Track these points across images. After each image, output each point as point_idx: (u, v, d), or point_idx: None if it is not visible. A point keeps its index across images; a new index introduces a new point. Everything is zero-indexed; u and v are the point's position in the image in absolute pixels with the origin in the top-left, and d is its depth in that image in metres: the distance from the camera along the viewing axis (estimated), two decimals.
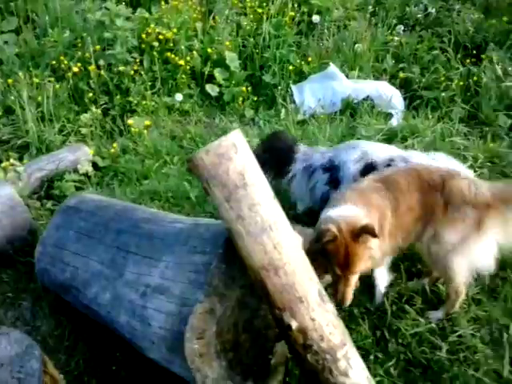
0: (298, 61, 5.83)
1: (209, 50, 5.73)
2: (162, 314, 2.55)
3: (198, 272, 2.46)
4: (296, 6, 6.42)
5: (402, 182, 2.92)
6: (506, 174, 4.34)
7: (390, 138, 4.64)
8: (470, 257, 2.97)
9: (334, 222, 2.67)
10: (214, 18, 6.16)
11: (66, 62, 5.28)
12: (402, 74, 5.62)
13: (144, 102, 5.32)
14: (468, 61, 5.57)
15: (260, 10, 6.17)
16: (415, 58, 5.84)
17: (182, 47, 5.57)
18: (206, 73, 5.75)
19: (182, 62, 5.50)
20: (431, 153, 3.72)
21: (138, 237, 2.85)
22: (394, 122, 5.07)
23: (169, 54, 5.54)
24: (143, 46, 5.61)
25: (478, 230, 2.90)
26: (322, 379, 2.30)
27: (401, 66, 5.76)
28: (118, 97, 5.29)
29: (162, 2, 6.03)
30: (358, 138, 4.63)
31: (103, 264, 2.91)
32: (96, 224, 3.11)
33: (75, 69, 5.23)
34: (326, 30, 6.03)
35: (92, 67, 5.26)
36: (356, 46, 5.89)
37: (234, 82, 5.76)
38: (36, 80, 5.14)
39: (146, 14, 5.81)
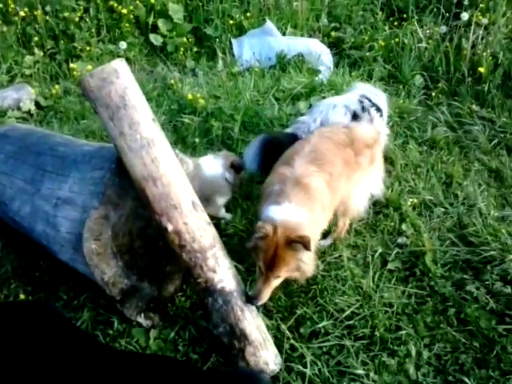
0: (238, 15, 6.16)
1: (152, 1, 6.02)
2: (69, 221, 2.96)
3: (96, 184, 2.87)
4: None
5: (328, 153, 3.11)
6: (411, 128, 4.83)
7: (310, 90, 5.07)
8: (368, 189, 3.50)
9: (273, 223, 2.73)
10: None
11: (13, 6, 5.53)
12: (333, 33, 6.01)
13: (88, 48, 5.63)
14: (396, 23, 5.98)
15: None
16: (349, 18, 6.22)
17: None
18: (150, 23, 6.05)
19: (125, 11, 5.80)
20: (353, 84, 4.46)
21: (54, 158, 3.24)
22: (321, 77, 5.48)
23: (113, 2, 5.82)
24: None
25: (372, 165, 3.41)
26: (195, 274, 2.76)
27: (334, 25, 6.13)
28: (63, 42, 5.59)
29: None
30: (282, 90, 5.05)
31: (25, 181, 3.30)
32: (21, 147, 3.48)
33: (22, 13, 5.51)
34: None
35: (39, 12, 5.53)
36: (295, 4, 6.24)
37: (177, 33, 6.10)
38: None
39: None
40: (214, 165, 3.63)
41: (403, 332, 3.01)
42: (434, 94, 5.15)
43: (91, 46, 5.70)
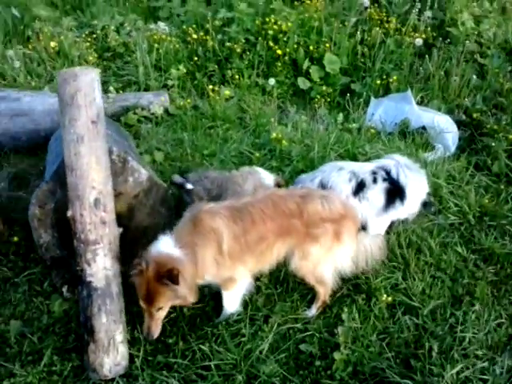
0: (385, 78, 6.12)
1: (311, 48, 6.40)
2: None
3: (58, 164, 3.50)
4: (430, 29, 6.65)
5: (257, 214, 3.20)
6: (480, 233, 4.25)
7: None
8: (335, 263, 3.47)
9: (148, 258, 3.00)
10: (342, 23, 6.75)
11: (191, 29, 6.63)
12: (476, 115, 5.46)
13: (237, 77, 6.33)
14: None
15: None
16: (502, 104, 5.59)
17: (285, 39, 6.41)
18: (305, 68, 6.44)
19: (279, 52, 6.33)
20: (392, 155, 4.21)
21: None
22: (430, 156, 5.11)
23: (271, 42, 6.40)
24: (261, 31, 6.60)
25: (338, 240, 3.37)
26: (76, 261, 3.16)
27: (480, 107, 5.58)
28: (217, 67, 6.44)
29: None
30: (363, 154, 4.92)
31: None
32: None
33: (195, 36, 6.54)
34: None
35: (209, 38, 6.50)
36: (453, 79, 5.87)
37: (326, 82, 6.37)
38: (167, 38, 6.61)
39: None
40: (269, 176, 4.19)
41: None
42: None
43: (243, 77, 6.37)
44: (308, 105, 6.33)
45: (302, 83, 6.45)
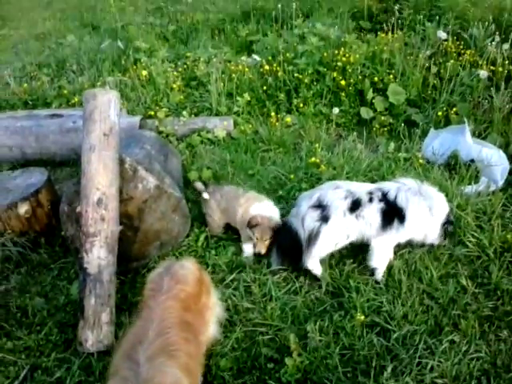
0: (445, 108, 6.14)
1: (375, 79, 6.62)
2: None
3: None
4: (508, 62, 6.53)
5: (178, 329, 2.71)
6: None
7: None
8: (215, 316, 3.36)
9: None
10: (413, 55, 6.89)
11: (264, 61, 7.21)
12: None
13: (302, 106, 6.75)
14: None
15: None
16: None
17: (350, 71, 6.70)
18: (370, 98, 6.65)
19: (343, 83, 6.63)
20: (400, 178, 4.38)
21: None
22: (469, 189, 5.07)
23: (335, 74, 6.73)
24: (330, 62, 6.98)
25: (208, 294, 3.23)
26: (79, 249, 3.78)
27: None
28: (283, 96, 6.91)
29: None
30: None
31: None
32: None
33: (267, 67, 7.10)
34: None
35: (279, 69, 7.01)
36: None
37: (390, 112, 6.54)
38: (244, 69, 7.25)
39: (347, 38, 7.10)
40: (267, 209, 4.43)
41: None
42: None
43: (308, 106, 6.78)
44: (369, 134, 6.50)
45: (366, 113, 6.66)
